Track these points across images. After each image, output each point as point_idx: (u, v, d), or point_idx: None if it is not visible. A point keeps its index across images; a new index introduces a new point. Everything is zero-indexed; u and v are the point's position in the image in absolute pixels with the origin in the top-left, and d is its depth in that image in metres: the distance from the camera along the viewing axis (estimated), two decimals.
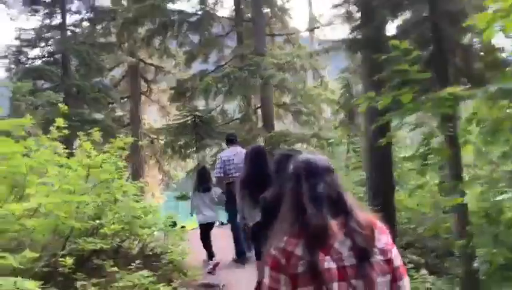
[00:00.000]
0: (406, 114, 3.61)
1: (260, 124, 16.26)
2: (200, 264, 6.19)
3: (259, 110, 16.71)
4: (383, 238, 1.39)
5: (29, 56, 14.57)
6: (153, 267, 4.54)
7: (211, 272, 5.81)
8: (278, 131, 15.04)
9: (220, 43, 17.65)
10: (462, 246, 3.76)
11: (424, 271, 4.93)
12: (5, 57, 14.06)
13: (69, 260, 3.62)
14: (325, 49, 12.56)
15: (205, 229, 6.25)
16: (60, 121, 5.09)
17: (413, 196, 6.41)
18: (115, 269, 3.95)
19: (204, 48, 17.08)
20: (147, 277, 3.89)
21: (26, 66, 14.07)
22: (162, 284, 4.04)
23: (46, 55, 14.75)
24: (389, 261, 1.36)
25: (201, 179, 6.36)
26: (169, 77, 20.81)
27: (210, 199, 6.19)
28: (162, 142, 17.13)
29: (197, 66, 18.52)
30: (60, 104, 6.24)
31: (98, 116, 16.45)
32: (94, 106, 15.39)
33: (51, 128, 5.18)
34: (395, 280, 1.37)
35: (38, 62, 14.52)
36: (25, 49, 14.21)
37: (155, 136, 19.50)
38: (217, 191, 6.24)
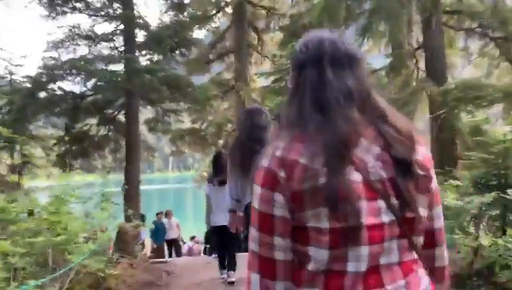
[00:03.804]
0: None
1: (422, 74, 9.95)
2: None
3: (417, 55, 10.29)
4: (422, 150, 1.00)
5: None
6: None
7: None
8: (458, 81, 8.53)
9: None
10: None
11: None
12: None
13: None
14: None
15: (218, 235, 5.16)
16: None
17: None
18: None
19: None
20: None
21: None
22: None
23: None
24: (428, 179, 0.99)
25: (216, 168, 5.08)
26: (284, 22, 15.49)
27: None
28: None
29: None
30: None
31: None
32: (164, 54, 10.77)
33: None
34: (430, 205, 1.02)
35: None
36: None
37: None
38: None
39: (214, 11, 15.71)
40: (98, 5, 10.52)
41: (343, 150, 0.90)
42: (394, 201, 0.91)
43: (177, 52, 11.58)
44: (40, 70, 9.66)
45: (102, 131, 11.61)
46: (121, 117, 11.43)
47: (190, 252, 12.22)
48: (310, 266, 0.91)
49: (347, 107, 0.95)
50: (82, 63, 9.37)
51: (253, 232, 0.96)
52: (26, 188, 10.19)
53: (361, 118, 0.96)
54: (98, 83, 9.94)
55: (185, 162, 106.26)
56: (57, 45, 10.25)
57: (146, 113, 13.36)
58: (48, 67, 9.69)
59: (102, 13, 10.56)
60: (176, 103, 12.01)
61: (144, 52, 10.95)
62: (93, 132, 11.54)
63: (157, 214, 11.86)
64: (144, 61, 10.68)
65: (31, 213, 5.02)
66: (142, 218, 11.46)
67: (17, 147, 9.83)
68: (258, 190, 0.95)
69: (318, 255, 0.90)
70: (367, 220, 0.88)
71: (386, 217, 0.90)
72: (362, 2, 8.90)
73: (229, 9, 15.92)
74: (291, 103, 1.03)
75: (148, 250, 11.26)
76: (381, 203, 0.90)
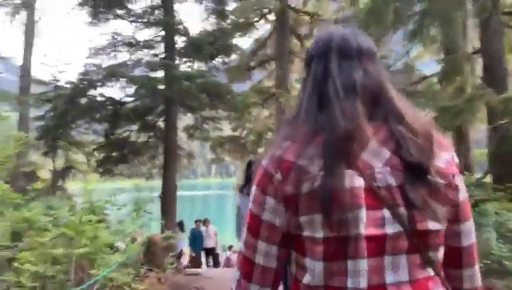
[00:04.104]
0: None
1: (478, 81, 9.15)
2: None
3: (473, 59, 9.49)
4: (445, 156, 0.89)
5: None
6: None
7: None
8: None
9: None
10: None
11: None
12: None
13: None
14: None
15: None
16: None
17: None
18: None
19: None
20: None
21: None
22: None
23: None
24: (451, 187, 0.87)
25: (247, 177, 4.69)
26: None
27: None
28: None
29: None
30: None
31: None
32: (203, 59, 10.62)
33: None
34: (456, 219, 0.90)
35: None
36: None
37: None
38: None
39: (257, 19, 15.51)
40: (140, 11, 10.62)
41: (341, 146, 0.83)
42: (403, 211, 0.82)
43: (218, 59, 11.45)
44: (81, 76, 9.85)
45: (142, 138, 11.66)
46: (161, 124, 11.44)
47: (228, 263, 11.96)
48: (305, 279, 0.86)
49: (348, 100, 0.88)
50: (121, 69, 9.43)
51: (243, 231, 0.95)
52: (68, 193, 10.38)
53: (368, 113, 0.87)
54: (139, 90, 9.97)
55: (227, 169, 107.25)
56: (98, 52, 10.42)
57: (186, 120, 13.34)
58: (89, 73, 9.85)
59: (144, 20, 10.62)
60: (215, 110, 11.87)
61: (184, 59, 10.90)
62: (132, 138, 11.62)
63: (195, 222, 11.74)
64: (184, 68, 10.63)
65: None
66: (181, 225, 11.33)
67: (60, 153, 10.05)
68: (253, 189, 0.93)
69: (313, 268, 0.84)
70: (366, 230, 0.81)
71: (391, 229, 0.82)
72: (412, 4, 8.29)
73: (271, 16, 15.68)
74: (298, 99, 0.98)
75: (186, 258, 11.12)
76: (385, 213, 0.82)
